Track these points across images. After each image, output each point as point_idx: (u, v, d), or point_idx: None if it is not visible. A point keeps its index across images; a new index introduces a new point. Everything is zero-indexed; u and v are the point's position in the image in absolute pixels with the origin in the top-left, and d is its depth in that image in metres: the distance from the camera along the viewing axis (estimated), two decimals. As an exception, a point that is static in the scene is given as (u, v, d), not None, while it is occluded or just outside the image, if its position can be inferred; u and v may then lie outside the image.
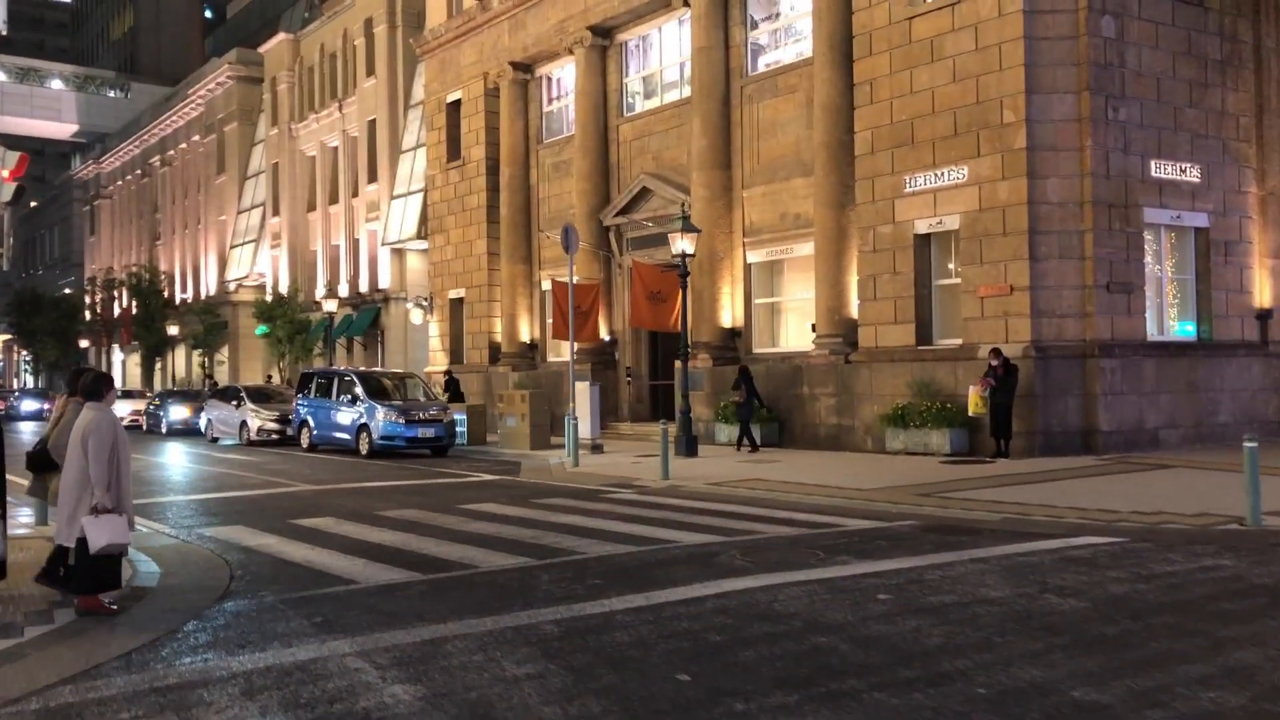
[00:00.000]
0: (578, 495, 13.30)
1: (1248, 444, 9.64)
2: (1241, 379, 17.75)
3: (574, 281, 18.98)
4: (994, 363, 15.55)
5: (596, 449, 18.78)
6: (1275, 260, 18.39)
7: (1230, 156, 17.79)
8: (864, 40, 18.32)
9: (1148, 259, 16.97)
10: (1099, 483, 12.90)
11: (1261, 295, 18.19)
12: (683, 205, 20.44)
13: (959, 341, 16.88)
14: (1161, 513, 10.34)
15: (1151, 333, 17.04)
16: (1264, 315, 18.24)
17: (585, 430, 18.57)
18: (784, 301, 21.17)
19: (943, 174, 17.02)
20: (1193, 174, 17.26)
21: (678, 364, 19.14)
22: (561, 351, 24.46)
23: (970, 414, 15.97)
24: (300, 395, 23.09)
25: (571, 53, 25.13)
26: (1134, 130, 16.55)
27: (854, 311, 18.76)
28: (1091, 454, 15.60)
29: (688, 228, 18.40)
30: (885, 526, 10.15)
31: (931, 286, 17.58)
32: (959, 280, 16.97)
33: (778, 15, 21.37)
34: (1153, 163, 16.77)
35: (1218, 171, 17.59)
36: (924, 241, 17.54)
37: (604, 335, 24.06)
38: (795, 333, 20.73)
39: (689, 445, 17.70)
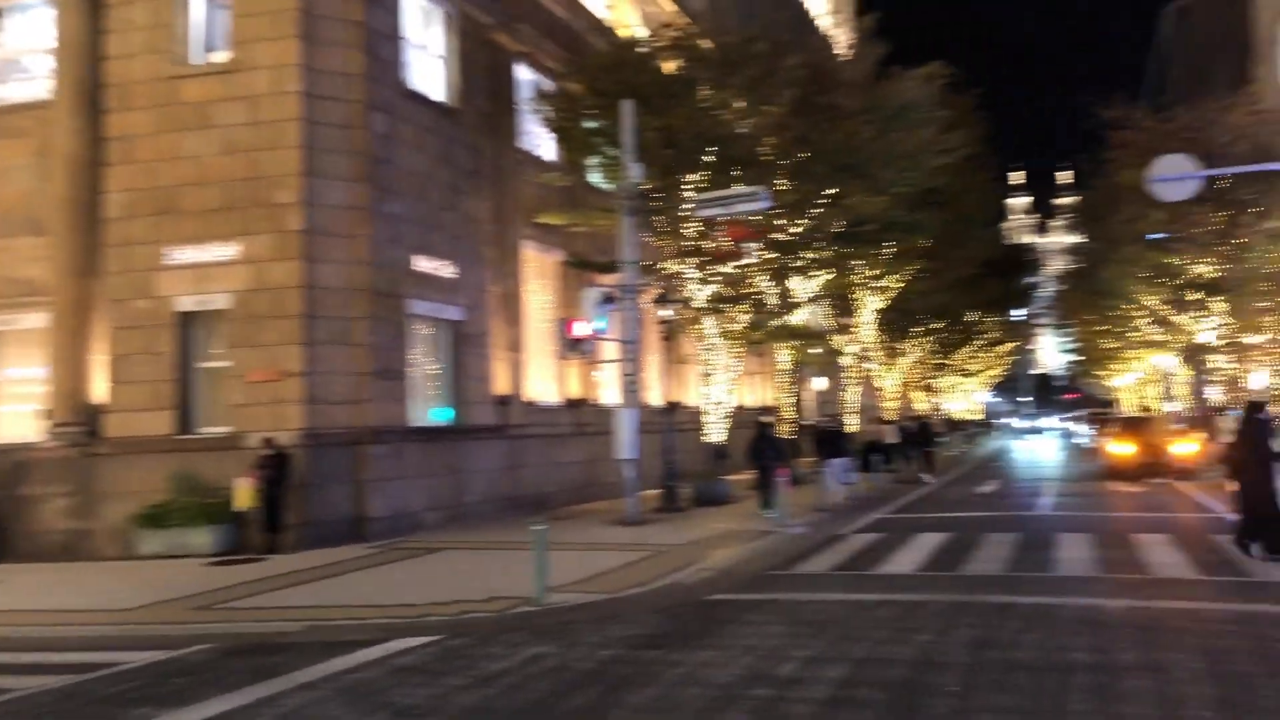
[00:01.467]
0: None
1: (536, 527, 10.23)
2: (486, 460, 19.30)
3: None
4: (265, 452, 14.61)
5: None
6: (511, 353, 20.49)
7: (480, 257, 19.49)
8: (119, 92, 16.28)
9: (413, 348, 17.62)
10: (383, 573, 12.68)
11: (500, 384, 20.10)
12: None
13: (227, 429, 15.54)
14: (457, 601, 10.39)
15: (416, 419, 17.66)
16: (502, 401, 20.17)
17: None
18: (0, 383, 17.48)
19: (212, 249, 15.72)
20: (449, 270, 18.46)
21: None
22: None
23: (238, 508, 14.70)
24: None
25: None
26: (403, 224, 17.18)
27: (100, 396, 16.20)
28: (363, 542, 15.42)
29: None
30: (176, 656, 8.52)
31: (196, 369, 15.99)
32: (228, 364, 15.70)
33: (3, 45, 17.96)
34: (419, 257, 17.56)
35: (469, 270, 19.11)
36: (188, 320, 15.93)
37: None
38: (16, 420, 17.18)
39: None
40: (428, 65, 18.71)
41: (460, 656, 8.05)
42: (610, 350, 20.72)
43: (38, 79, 17.42)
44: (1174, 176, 18.62)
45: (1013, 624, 8.36)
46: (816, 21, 39.85)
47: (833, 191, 21.50)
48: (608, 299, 16.71)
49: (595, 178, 22.16)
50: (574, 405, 22.46)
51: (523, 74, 21.63)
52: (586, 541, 14.83)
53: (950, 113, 25.99)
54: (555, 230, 21.91)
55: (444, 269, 18.29)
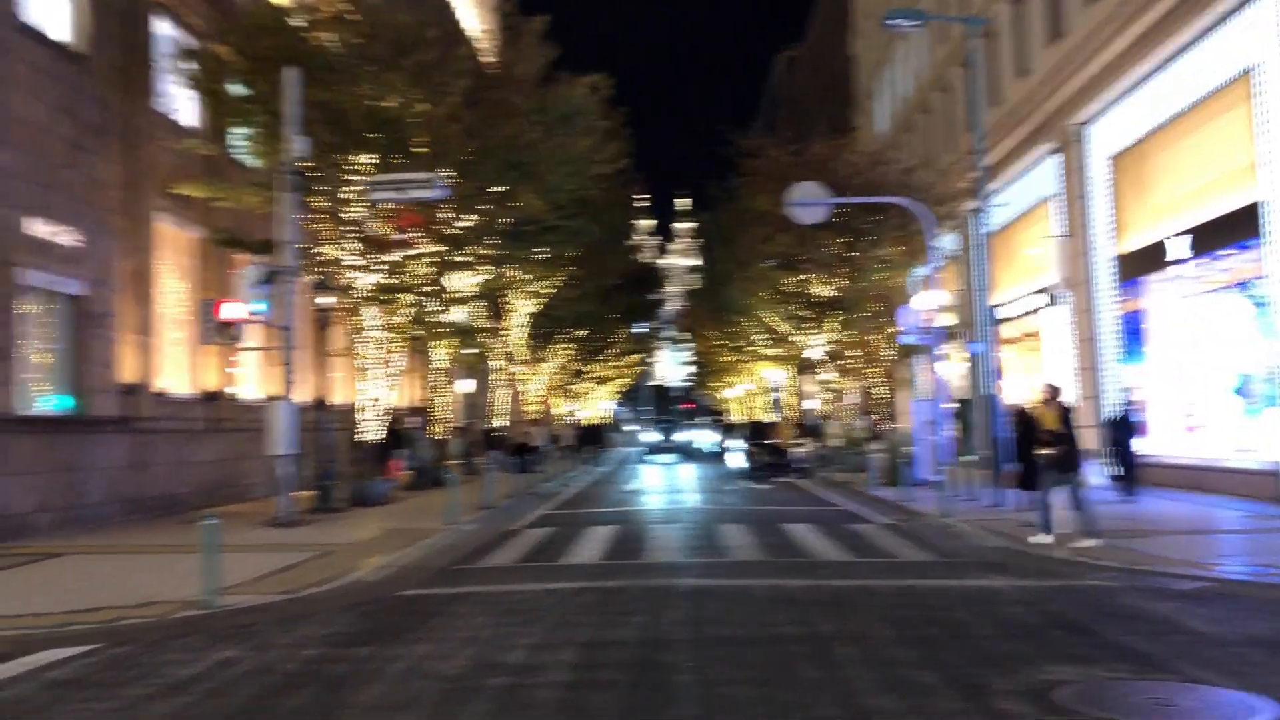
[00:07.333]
0: None
1: (206, 521, 9.18)
2: (111, 456, 17.08)
3: None
4: None
5: None
6: (140, 336, 18.33)
7: (107, 227, 17.24)
8: None
9: (21, 325, 15.19)
10: (-3, 582, 10.78)
11: (129, 370, 17.91)
12: None
13: None
14: (104, 608, 9.04)
15: (21, 407, 15.22)
16: (129, 391, 17.98)
17: None
18: None
19: None
20: (72, 238, 16.17)
21: None
22: None
23: None
24: None
25: None
26: (16, 181, 14.78)
27: None
28: (-45, 549, 13.04)
29: None
30: None
31: None
32: None
33: None
34: (33, 220, 15.19)
35: (96, 240, 16.85)
36: None
37: None
38: None
39: None
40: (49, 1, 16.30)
41: (132, 666, 6.97)
42: (261, 337, 19.21)
43: None
44: (810, 202, 20.60)
45: (715, 604, 8.70)
46: (458, 15, 39.68)
47: (500, 189, 21.45)
48: (269, 278, 15.41)
49: (242, 150, 20.45)
50: (210, 398, 20.51)
51: (162, 28, 19.49)
52: (242, 543, 13.53)
53: (610, 124, 26.98)
54: (195, 204, 19.93)
55: (64, 236, 15.97)
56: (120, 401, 17.41)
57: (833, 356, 29.86)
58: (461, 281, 24.24)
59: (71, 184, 16.26)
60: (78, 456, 16.06)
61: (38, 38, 15.67)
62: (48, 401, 15.96)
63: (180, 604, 9.14)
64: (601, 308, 39.86)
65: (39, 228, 15.34)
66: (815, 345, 30.81)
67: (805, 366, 34.04)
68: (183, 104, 20.07)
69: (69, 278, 16.16)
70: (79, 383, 16.53)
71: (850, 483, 23.35)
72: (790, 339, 32.63)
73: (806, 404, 37.16)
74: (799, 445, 27.87)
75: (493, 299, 30.53)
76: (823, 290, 26.50)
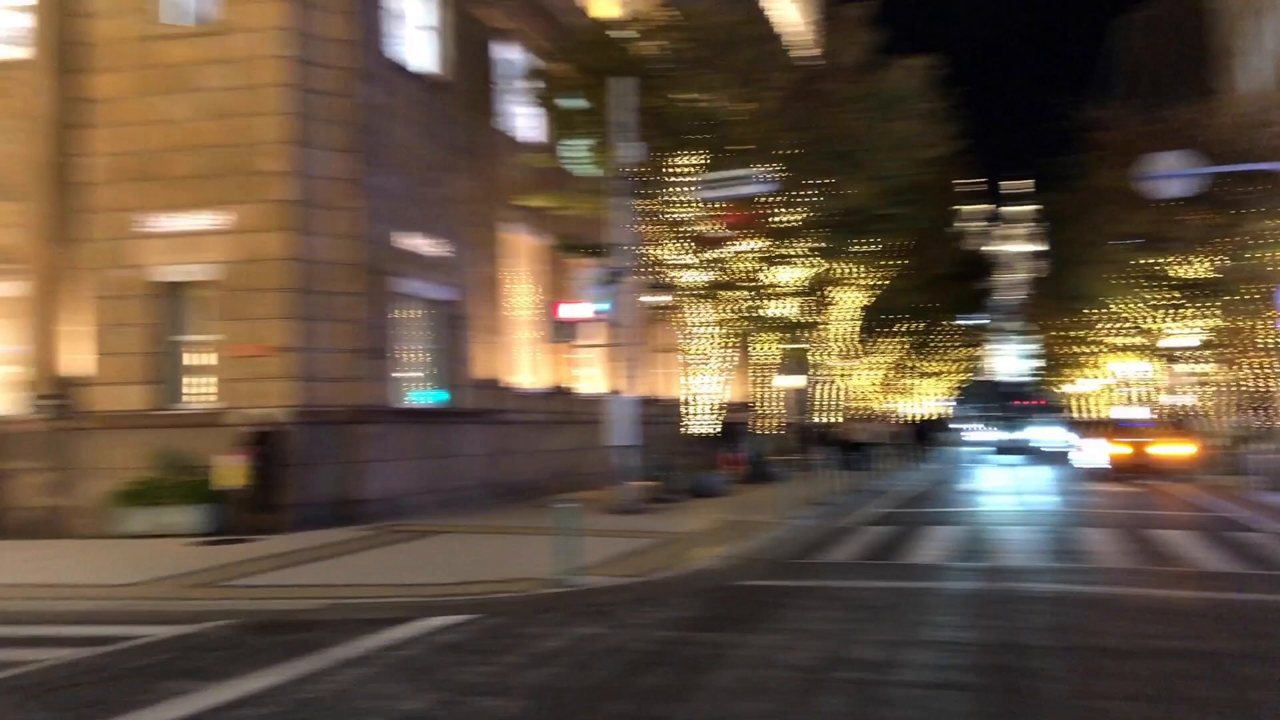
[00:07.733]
0: None
1: (562, 506, 9.76)
2: (472, 445, 18.69)
3: None
4: (256, 429, 13.97)
5: None
6: (492, 336, 19.87)
7: (463, 237, 18.85)
8: (97, 52, 15.40)
9: (399, 327, 17.01)
10: (387, 554, 12.15)
11: (484, 367, 19.50)
12: None
13: (213, 406, 14.83)
14: (478, 581, 9.90)
15: (407, 400, 17.07)
16: (486, 386, 19.58)
17: None
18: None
19: (196, 218, 14.96)
20: (435, 249, 17.82)
21: None
22: None
23: (223, 487, 14.01)
24: None
25: None
26: (394, 199, 16.55)
27: (78, 368, 15.36)
28: (355, 524, 14.78)
29: None
30: (193, 631, 7.93)
31: (179, 342, 15.25)
32: (214, 337, 14.99)
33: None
34: (404, 234, 16.92)
35: (454, 250, 18.47)
36: (171, 291, 15.17)
37: None
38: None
39: None
40: (414, 36, 18.08)
41: (506, 635, 7.56)
42: (598, 335, 20.24)
43: (16, 37, 16.45)
44: (1172, 174, 18.63)
45: (1080, 611, 8.08)
46: (779, 10, 39.61)
47: (828, 181, 21.24)
48: (611, 279, 16.19)
49: (574, 159, 21.59)
50: (554, 393, 21.92)
51: (501, 51, 21.04)
52: (588, 528, 14.30)
53: (938, 105, 25.93)
54: (533, 212, 21.32)
55: (430, 247, 17.66)
56: (477, 396, 19.01)
57: (1204, 346, 26.86)
58: (788, 275, 24.27)
59: (435, 201, 17.95)
60: (446, 444, 17.73)
61: (408, 71, 17.44)
62: (421, 395, 17.76)
63: (540, 581, 9.78)
64: (927, 298, 38.36)
65: (410, 241, 17.08)
66: (1179, 333, 27.88)
67: (1170, 358, 30.89)
68: (520, 121, 21.57)
69: (435, 284, 17.87)
70: (446, 378, 18.24)
71: (1230, 486, 20.84)
72: (1147, 327, 29.76)
73: (1170, 399, 33.71)
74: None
75: (818, 292, 30.32)
76: (1186, 272, 23.89)
